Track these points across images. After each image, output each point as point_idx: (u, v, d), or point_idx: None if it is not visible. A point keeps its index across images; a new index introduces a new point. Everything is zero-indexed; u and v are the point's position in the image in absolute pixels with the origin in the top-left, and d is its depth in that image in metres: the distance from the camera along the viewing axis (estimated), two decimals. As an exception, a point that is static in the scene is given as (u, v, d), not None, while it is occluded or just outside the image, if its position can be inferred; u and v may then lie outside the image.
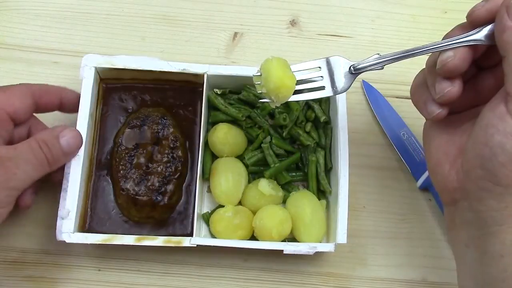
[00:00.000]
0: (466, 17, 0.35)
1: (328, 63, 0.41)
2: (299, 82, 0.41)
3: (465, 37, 0.34)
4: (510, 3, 0.32)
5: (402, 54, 0.38)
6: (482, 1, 0.34)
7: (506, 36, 0.32)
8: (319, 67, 0.41)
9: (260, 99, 0.43)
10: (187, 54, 0.56)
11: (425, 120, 0.40)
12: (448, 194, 0.37)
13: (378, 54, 0.39)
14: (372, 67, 0.39)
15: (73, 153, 0.44)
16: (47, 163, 0.41)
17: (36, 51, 0.55)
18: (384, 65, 0.39)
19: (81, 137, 0.45)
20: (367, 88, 0.55)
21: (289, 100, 0.41)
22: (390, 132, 0.53)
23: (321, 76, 0.41)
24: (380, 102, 0.54)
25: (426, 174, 0.50)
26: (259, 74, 0.41)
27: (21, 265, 0.48)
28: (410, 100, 0.54)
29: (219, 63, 0.55)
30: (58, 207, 0.44)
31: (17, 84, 0.44)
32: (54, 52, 0.55)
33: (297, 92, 0.41)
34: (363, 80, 0.55)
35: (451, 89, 0.35)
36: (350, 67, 0.40)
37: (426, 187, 0.51)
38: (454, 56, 0.34)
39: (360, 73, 0.40)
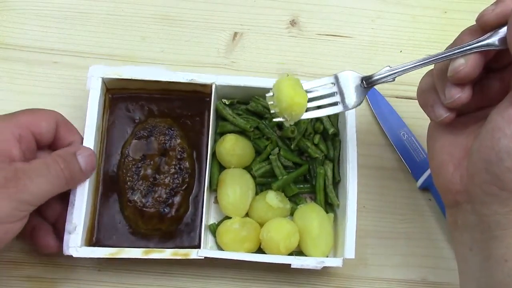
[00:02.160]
0: (476, 20, 0.34)
1: (339, 78, 0.41)
2: (311, 99, 0.41)
3: (476, 43, 0.34)
4: None
5: (413, 65, 0.37)
6: (491, 5, 0.33)
7: None
8: (332, 83, 0.41)
9: (274, 118, 0.44)
10: (187, 54, 0.56)
11: (427, 120, 0.40)
12: (450, 196, 0.37)
13: (389, 66, 0.39)
14: (384, 80, 0.39)
15: (89, 171, 0.44)
16: (63, 178, 0.41)
17: (36, 51, 0.55)
18: (396, 77, 0.39)
19: (96, 157, 0.45)
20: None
21: (302, 118, 0.41)
22: (390, 132, 0.53)
23: (334, 92, 0.41)
24: (380, 102, 0.54)
25: (426, 174, 0.50)
26: (271, 94, 0.42)
27: (21, 265, 0.48)
28: (410, 100, 0.54)
29: (219, 63, 0.56)
30: (65, 220, 0.44)
31: (46, 109, 0.45)
32: (54, 52, 0.55)
33: (310, 109, 0.41)
34: (363, 80, 0.55)
35: (462, 95, 0.34)
36: (362, 81, 0.40)
37: (426, 187, 0.51)
38: (466, 64, 0.33)
39: (372, 86, 0.40)
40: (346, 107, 0.41)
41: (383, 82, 0.39)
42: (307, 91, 0.41)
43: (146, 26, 0.57)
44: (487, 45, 0.33)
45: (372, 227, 0.51)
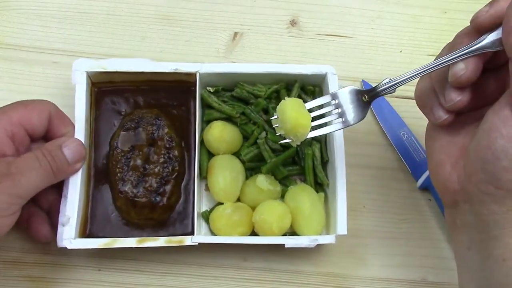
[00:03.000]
0: (470, 22, 0.34)
1: (341, 95, 0.42)
2: (314, 118, 0.42)
3: (474, 45, 0.34)
4: None
5: (413, 74, 0.37)
6: (485, 6, 0.33)
7: None
8: (334, 100, 0.42)
9: (280, 140, 0.45)
10: (187, 54, 0.56)
11: (427, 120, 0.40)
12: (449, 196, 0.37)
13: (389, 78, 0.39)
14: (385, 92, 0.39)
15: (77, 162, 0.44)
16: (51, 172, 0.41)
17: (36, 51, 0.55)
18: (396, 87, 0.39)
19: (84, 147, 0.45)
20: (367, 88, 0.55)
21: (308, 137, 0.42)
22: (390, 132, 0.53)
23: (337, 109, 0.42)
24: (380, 102, 0.54)
25: (426, 174, 0.50)
26: (276, 117, 0.42)
27: (21, 265, 0.48)
28: (410, 100, 0.54)
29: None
30: (59, 214, 0.44)
31: (39, 100, 0.45)
32: (54, 52, 0.55)
33: (314, 127, 0.42)
34: (363, 80, 0.55)
35: (462, 98, 0.34)
36: (363, 95, 0.41)
37: (426, 187, 0.51)
38: (467, 69, 0.33)
39: (373, 99, 0.40)
40: (348, 123, 0.41)
41: (384, 94, 0.40)
42: (310, 110, 0.41)
43: (146, 26, 0.57)
44: (484, 47, 0.33)
45: (372, 227, 0.51)
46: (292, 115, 0.41)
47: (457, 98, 0.34)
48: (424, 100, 0.38)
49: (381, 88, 0.39)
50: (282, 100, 0.42)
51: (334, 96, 0.42)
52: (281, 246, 0.45)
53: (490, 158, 0.32)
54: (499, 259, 0.33)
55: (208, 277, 0.49)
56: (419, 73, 0.37)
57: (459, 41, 0.35)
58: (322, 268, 0.49)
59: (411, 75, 0.38)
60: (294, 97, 0.50)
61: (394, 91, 0.39)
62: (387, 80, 0.39)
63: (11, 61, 0.54)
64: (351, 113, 0.41)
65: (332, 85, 0.49)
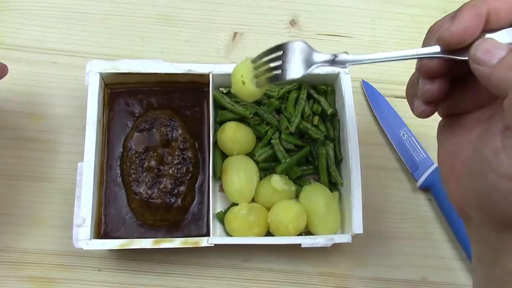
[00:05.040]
0: (428, 31, 0.35)
1: (290, 48, 0.37)
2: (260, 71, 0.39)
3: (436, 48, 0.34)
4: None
5: (367, 58, 0.36)
6: (446, 20, 0.33)
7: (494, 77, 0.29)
8: (282, 52, 0.37)
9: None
10: (186, 54, 0.56)
11: (427, 120, 0.39)
12: (456, 209, 0.35)
13: (346, 52, 0.36)
14: (334, 64, 0.36)
15: None
16: None
17: (36, 51, 0.55)
18: (349, 64, 0.36)
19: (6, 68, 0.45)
20: (367, 88, 0.55)
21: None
22: (390, 132, 0.53)
23: (279, 62, 0.37)
24: (380, 102, 0.54)
25: (426, 174, 0.51)
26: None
27: (21, 265, 0.48)
28: (410, 100, 0.54)
29: (219, 63, 0.55)
30: (73, 215, 0.44)
31: None
32: (54, 52, 0.55)
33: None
34: (363, 80, 0.55)
35: (430, 87, 0.34)
36: (311, 56, 0.37)
37: (426, 187, 0.51)
38: (426, 64, 0.34)
39: (318, 66, 0.36)
40: (283, 77, 0.37)
41: (331, 65, 0.36)
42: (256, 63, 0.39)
43: (145, 26, 0.57)
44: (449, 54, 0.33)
45: (372, 227, 0.51)
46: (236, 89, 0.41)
47: (426, 86, 0.34)
48: (408, 91, 0.38)
49: (336, 59, 0.36)
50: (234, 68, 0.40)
51: (283, 48, 0.37)
52: (281, 246, 0.45)
53: (482, 191, 0.30)
54: (498, 280, 0.32)
55: (208, 277, 0.49)
56: (375, 60, 0.36)
57: (435, 26, 0.36)
58: (322, 268, 0.49)
59: (366, 59, 0.36)
60: (303, 98, 0.50)
61: (346, 68, 0.36)
62: (344, 54, 0.36)
63: (11, 61, 0.54)
64: (290, 68, 0.37)
65: (345, 84, 0.49)
